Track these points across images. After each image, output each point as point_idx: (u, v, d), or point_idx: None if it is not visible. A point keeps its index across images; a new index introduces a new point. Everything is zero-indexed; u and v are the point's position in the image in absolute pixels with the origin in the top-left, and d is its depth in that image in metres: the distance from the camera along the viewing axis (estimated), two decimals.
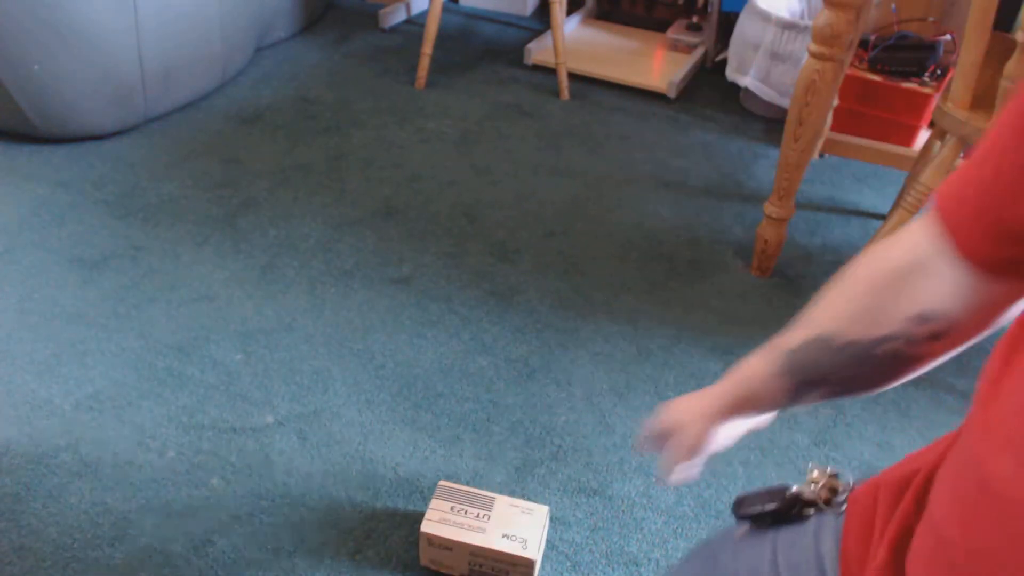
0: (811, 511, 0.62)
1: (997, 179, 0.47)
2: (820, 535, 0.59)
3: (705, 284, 1.76)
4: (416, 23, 3.01)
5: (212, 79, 2.33)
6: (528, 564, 1.10)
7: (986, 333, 0.56)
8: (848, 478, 0.62)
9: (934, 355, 0.57)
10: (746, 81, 2.38)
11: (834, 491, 0.62)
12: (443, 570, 1.15)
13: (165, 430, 1.35)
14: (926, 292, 0.54)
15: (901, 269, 0.55)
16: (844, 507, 0.60)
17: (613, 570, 1.19)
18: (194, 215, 1.88)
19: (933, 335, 0.55)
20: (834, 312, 0.60)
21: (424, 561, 1.15)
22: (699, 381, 1.52)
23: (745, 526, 0.67)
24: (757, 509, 0.64)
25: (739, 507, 0.66)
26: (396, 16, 2.97)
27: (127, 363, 1.47)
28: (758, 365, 0.66)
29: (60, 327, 1.54)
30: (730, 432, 0.75)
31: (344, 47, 2.77)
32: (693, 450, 0.74)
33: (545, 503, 1.28)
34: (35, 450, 1.30)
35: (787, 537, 0.61)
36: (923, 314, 0.54)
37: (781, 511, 0.63)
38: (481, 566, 1.11)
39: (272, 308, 1.62)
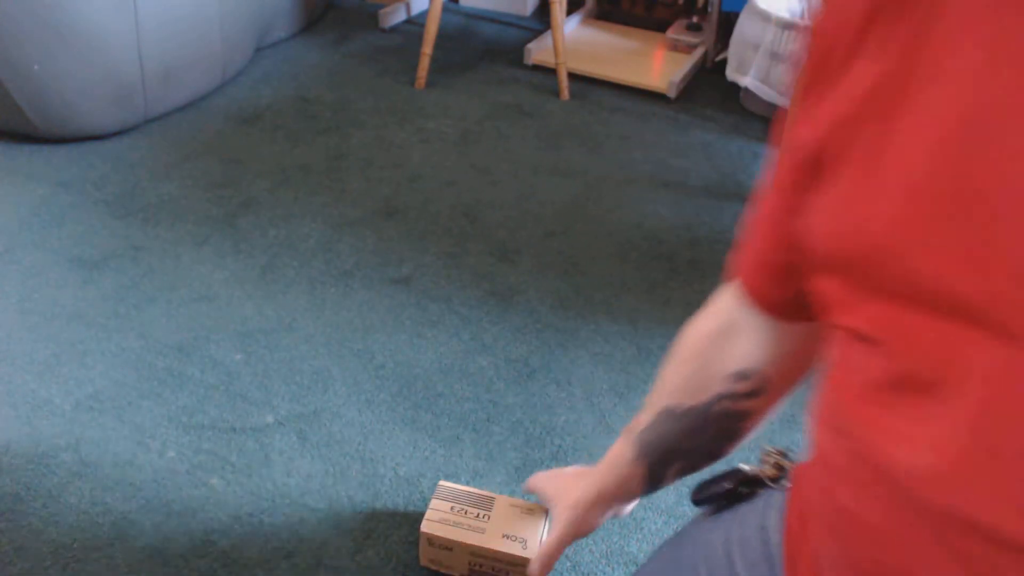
0: (762, 490, 0.65)
1: (765, 230, 0.54)
2: (766, 511, 0.60)
3: (705, 284, 1.76)
4: (416, 23, 3.01)
5: (212, 79, 2.33)
6: (528, 564, 1.10)
7: (800, 382, 0.62)
8: (798, 457, 0.63)
9: (760, 410, 0.63)
10: (746, 81, 2.38)
11: (781, 468, 0.64)
12: (443, 570, 1.15)
13: (165, 430, 1.35)
14: (739, 349, 0.60)
15: (715, 332, 0.62)
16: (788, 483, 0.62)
17: (613, 570, 1.19)
18: (194, 215, 1.88)
19: (753, 391, 0.61)
20: (670, 386, 0.67)
21: (424, 561, 1.15)
22: None
23: (704, 511, 0.69)
24: (712, 491, 0.67)
25: (697, 493, 0.69)
26: (396, 16, 2.97)
27: (127, 363, 1.47)
28: (620, 450, 0.71)
29: (60, 327, 1.54)
30: (595, 521, 0.83)
31: (344, 47, 2.77)
32: (561, 540, 0.86)
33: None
34: (35, 450, 1.30)
35: (738, 516, 0.63)
36: (740, 372, 0.61)
37: (733, 491, 0.65)
38: (481, 566, 1.11)
39: (272, 308, 1.62)
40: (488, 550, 1.09)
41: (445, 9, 3.13)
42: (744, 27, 2.38)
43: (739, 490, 0.65)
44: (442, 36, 2.86)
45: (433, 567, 1.15)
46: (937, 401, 0.36)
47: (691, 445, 0.66)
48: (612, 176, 2.15)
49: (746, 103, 2.56)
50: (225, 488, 1.26)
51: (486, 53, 2.81)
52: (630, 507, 0.85)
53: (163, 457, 1.31)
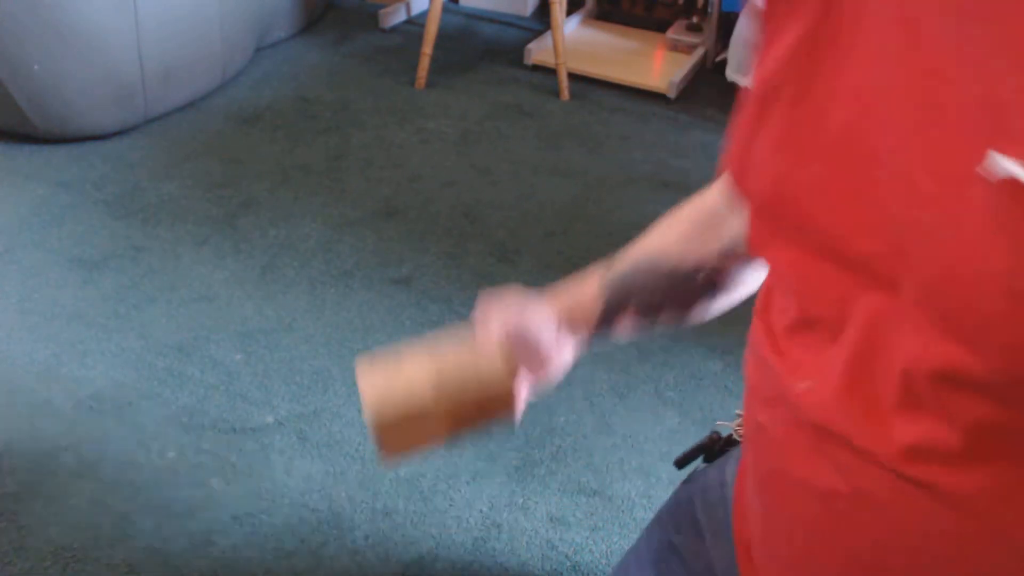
0: (734, 448, 0.68)
1: (748, 120, 0.55)
2: (727, 462, 0.66)
3: None
4: (416, 23, 3.01)
5: (212, 79, 2.33)
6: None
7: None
8: None
9: (738, 288, 0.65)
10: (746, 81, 2.38)
11: None
12: (416, 450, 0.65)
13: (165, 430, 1.35)
14: (730, 230, 0.62)
15: (713, 208, 0.64)
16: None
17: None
18: (194, 215, 1.88)
19: (736, 269, 0.63)
20: (661, 242, 0.67)
21: (389, 455, 0.65)
22: (699, 381, 1.52)
23: (685, 478, 0.73)
24: (692, 453, 0.71)
25: (680, 459, 0.72)
26: (396, 16, 2.97)
27: (127, 363, 1.47)
28: (584, 287, 0.69)
29: (60, 327, 1.54)
30: (560, 351, 0.66)
31: (344, 47, 2.77)
32: (539, 349, 0.63)
33: (545, 503, 1.28)
34: (36, 450, 1.30)
35: (706, 472, 0.69)
36: (729, 249, 0.62)
37: (705, 447, 0.70)
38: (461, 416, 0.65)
39: (272, 308, 1.63)
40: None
41: (445, 9, 3.13)
42: (744, 27, 2.38)
43: (714, 448, 0.69)
44: (442, 36, 2.86)
45: (401, 456, 0.65)
46: (827, 340, 0.43)
47: (662, 302, 0.66)
48: (612, 176, 2.15)
49: None
50: (225, 488, 1.27)
51: (486, 53, 2.81)
52: (566, 358, 0.67)
53: (163, 457, 1.31)
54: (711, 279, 0.64)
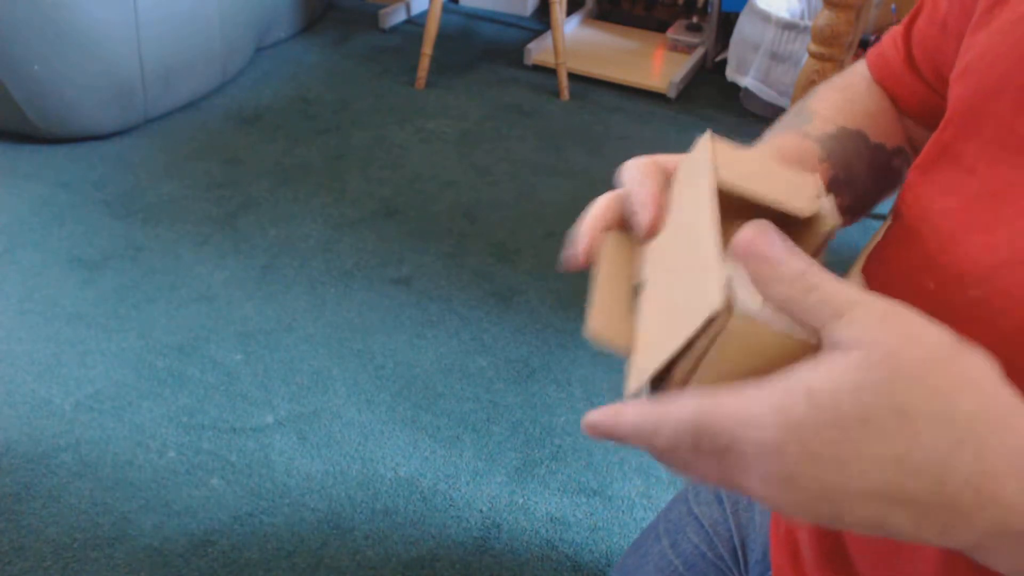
0: None
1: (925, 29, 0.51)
2: None
3: None
4: (416, 23, 3.01)
5: (212, 79, 2.33)
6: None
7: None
8: None
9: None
10: (746, 81, 2.38)
11: None
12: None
13: (165, 430, 1.35)
14: (905, 126, 0.56)
15: (886, 101, 0.56)
16: None
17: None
18: (194, 215, 1.88)
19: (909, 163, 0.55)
20: (859, 109, 0.54)
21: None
22: None
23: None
24: None
25: None
26: (396, 16, 2.97)
27: (127, 363, 1.47)
28: (797, 142, 0.51)
29: (60, 327, 1.54)
30: None
31: (344, 47, 2.77)
32: None
33: (545, 503, 1.28)
34: (35, 450, 1.30)
35: None
36: (905, 145, 0.55)
37: None
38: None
39: (272, 308, 1.62)
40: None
41: (445, 9, 3.13)
42: (744, 27, 2.38)
43: None
44: (442, 36, 2.86)
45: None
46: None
47: (867, 184, 0.53)
48: (612, 176, 2.15)
49: (746, 103, 2.56)
50: (225, 488, 1.26)
51: (486, 53, 2.81)
52: None
53: (163, 457, 1.31)
54: (901, 170, 0.55)
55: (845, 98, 0.54)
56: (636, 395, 0.34)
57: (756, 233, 0.30)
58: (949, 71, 0.47)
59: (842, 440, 0.27)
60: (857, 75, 0.57)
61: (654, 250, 0.40)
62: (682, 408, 0.31)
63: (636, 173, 0.41)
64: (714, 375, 0.32)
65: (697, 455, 0.31)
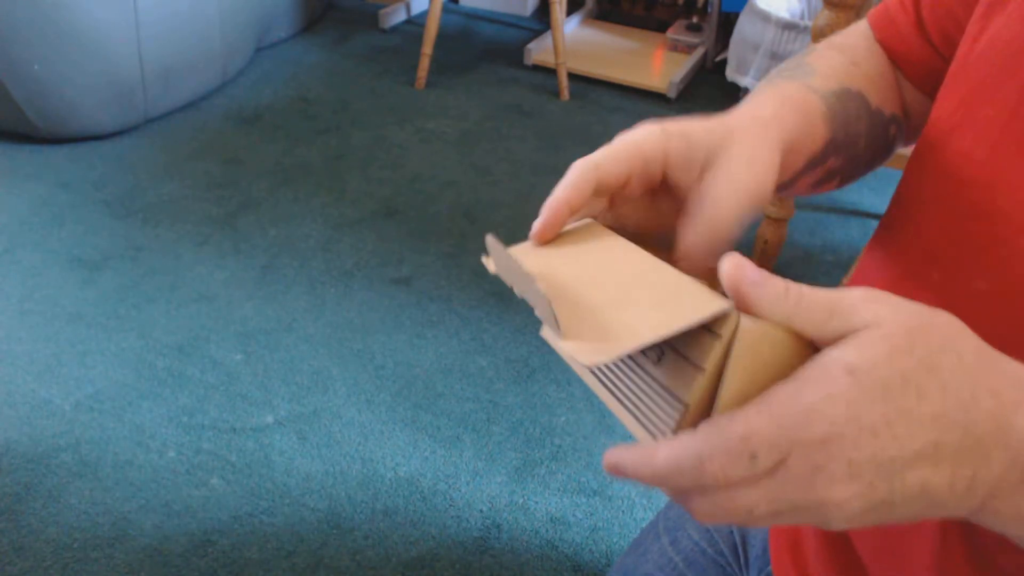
0: None
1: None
2: None
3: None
4: (416, 23, 3.01)
5: (212, 79, 2.33)
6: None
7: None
8: None
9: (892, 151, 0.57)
10: (746, 81, 2.38)
11: None
12: None
13: (165, 430, 1.35)
14: (904, 95, 0.56)
15: (887, 67, 0.56)
16: None
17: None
18: (194, 215, 1.88)
19: (903, 131, 0.56)
20: (860, 72, 0.52)
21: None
22: None
23: None
24: None
25: None
26: (396, 16, 2.97)
27: (127, 363, 1.47)
28: (803, 95, 0.47)
29: (60, 327, 1.54)
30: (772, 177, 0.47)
31: (344, 47, 2.77)
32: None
33: (545, 503, 1.28)
34: (35, 450, 1.30)
35: None
36: (901, 114, 0.56)
37: None
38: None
39: (272, 308, 1.62)
40: None
41: (445, 9, 3.13)
42: (744, 27, 2.38)
43: None
44: (442, 36, 2.86)
45: None
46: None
47: (861, 150, 0.51)
48: None
49: None
50: (225, 488, 1.26)
51: (486, 53, 2.81)
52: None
53: (163, 457, 1.31)
54: (895, 139, 0.55)
55: (847, 59, 0.53)
56: (612, 357, 0.32)
57: (736, 264, 0.33)
58: (959, 35, 0.48)
59: (890, 409, 0.29)
60: (858, 35, 0.57)
61: (577, 276, 0.40)
62: (726, 429, 0.30)
63: (570, 175, 0.42)
64: (736, 393, 0.31)
65: (754, 477, 0.30)
